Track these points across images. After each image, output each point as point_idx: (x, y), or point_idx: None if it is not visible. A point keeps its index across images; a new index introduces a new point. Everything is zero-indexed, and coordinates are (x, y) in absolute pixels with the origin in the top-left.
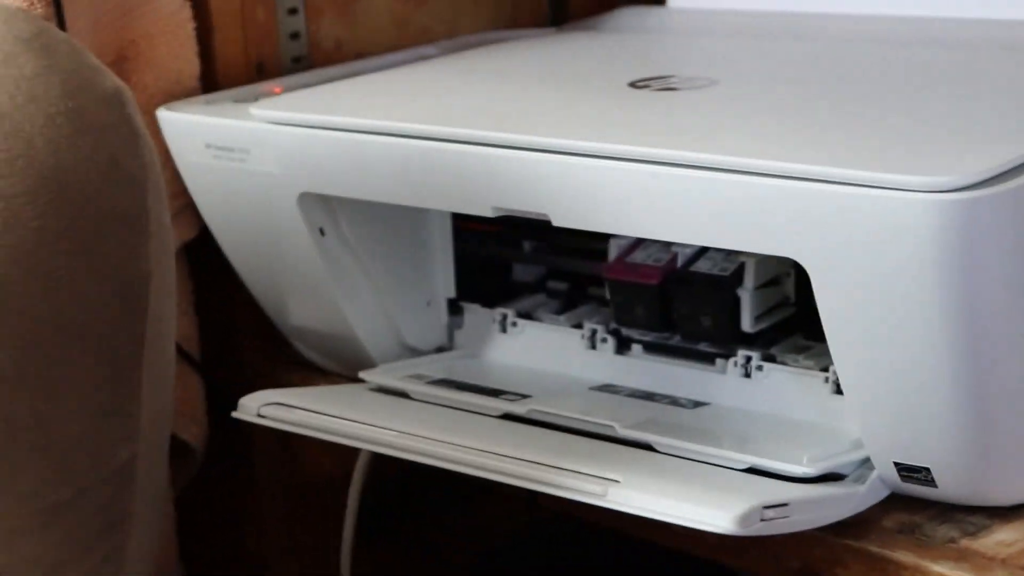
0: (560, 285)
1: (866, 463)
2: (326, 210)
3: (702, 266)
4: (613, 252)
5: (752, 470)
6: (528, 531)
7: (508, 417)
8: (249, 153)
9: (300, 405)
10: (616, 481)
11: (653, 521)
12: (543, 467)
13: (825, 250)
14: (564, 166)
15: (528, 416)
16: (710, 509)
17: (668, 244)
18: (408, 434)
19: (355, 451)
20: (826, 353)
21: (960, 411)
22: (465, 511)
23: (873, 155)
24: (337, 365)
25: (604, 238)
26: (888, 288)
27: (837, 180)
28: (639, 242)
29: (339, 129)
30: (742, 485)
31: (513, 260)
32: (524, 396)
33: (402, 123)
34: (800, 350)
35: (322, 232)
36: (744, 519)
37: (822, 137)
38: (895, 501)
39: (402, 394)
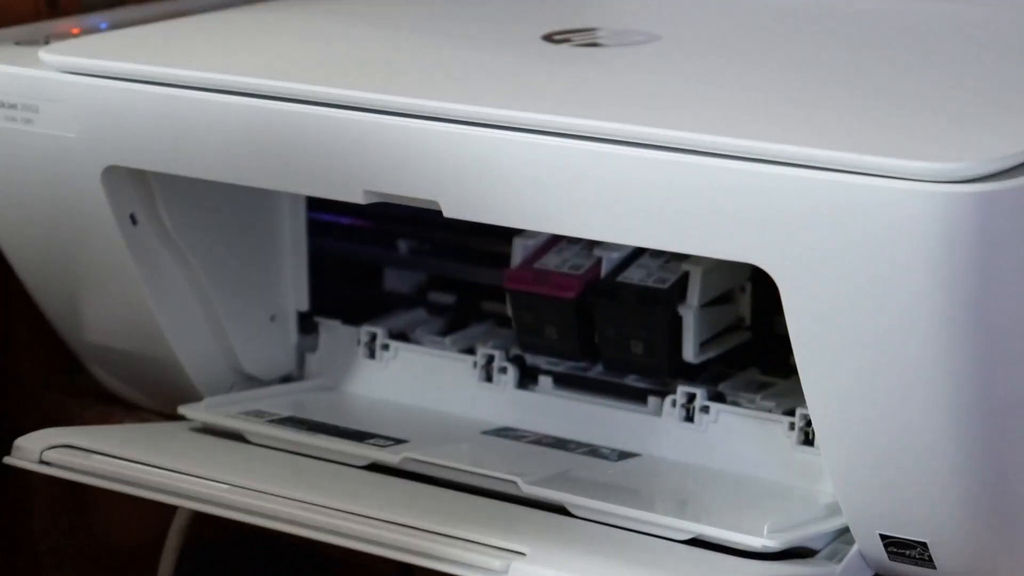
0: (445, 298)
1: (843, 535)
2: (139, 190)
3: (633, 275)
4: (518, 255)
5: (696, 542)
6: None
7: (376, 468)
8: (37, 112)
9: (97, 448)
10: (521, 554)
11: None
12: (423, 533)
13: (800, 254)
14: (460, 139)
15: (402, 467)
16: None
17: (590, 245)
18: (243, 488)
19: (170, 510)
20: (790, 392)
21: (970, 467)
22: None
23: (865, 135)
24: (149, 398)
25: (507, 236)
26: (881, 302)
27: (818, 165)
28: (552, 242)
29: (157, 83)
30: (684, 563)
31: (384, 265)
32: (398, 441)
33: (242, 77)
34: (757, 387)
35: (133, 220)
36: None
37: (798, 111)
38: None
39: (236, 436)
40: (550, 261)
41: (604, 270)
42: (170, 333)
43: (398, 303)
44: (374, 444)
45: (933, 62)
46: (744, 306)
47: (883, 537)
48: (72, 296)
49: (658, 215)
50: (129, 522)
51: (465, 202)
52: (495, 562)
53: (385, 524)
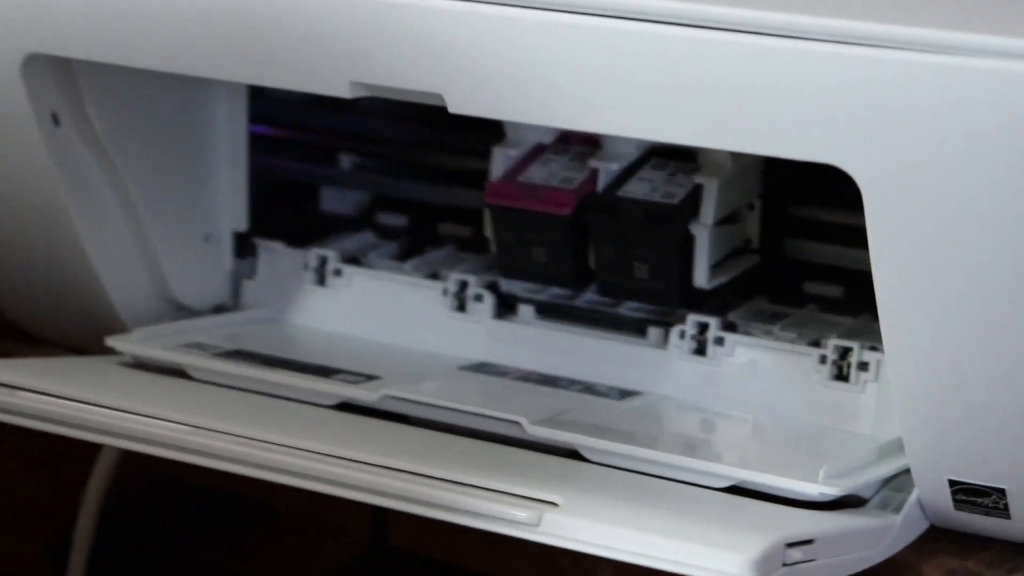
0: (397, 220)
1: (889, 482)
2: (63, 86)
3: (635, 190)
4: (498, 166)
5: (735, 490)
6: None
7: (347, 408)
8: None
9: (21, 384)
10: (553, 504)
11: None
12: (432, 481)
13: (893, 152)
14: (471, 18)
15: (379, 407)
16: (711, 549)
17: (581, 157)
18: (198, 428)
19: (86, 468)
20: (810, 322)
21: None
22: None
23: (973, 15)
24: (60, 329)
25: (466, 149)
26: (983, 211)
27: (921, 46)
28: (536, 153)
29: None
30: (742, 513)
31: (328, 182)
32: (369, 377)
33: None
34: (768, 318)
35: (55, 120)
36: (764, 563)
37: None
38: (934, 539)
39: (176, 372)
40: (536, 174)
41: (601, 184)
42: (93, 252)
43: (339, 226)
44: (343, 380)
45: None
46: (752, 227)
47: (952, 483)
48: None
49: (721, 107)
50: (41, 484)
51: (477, 94)
52: (522, 513)
53: (385, 471)
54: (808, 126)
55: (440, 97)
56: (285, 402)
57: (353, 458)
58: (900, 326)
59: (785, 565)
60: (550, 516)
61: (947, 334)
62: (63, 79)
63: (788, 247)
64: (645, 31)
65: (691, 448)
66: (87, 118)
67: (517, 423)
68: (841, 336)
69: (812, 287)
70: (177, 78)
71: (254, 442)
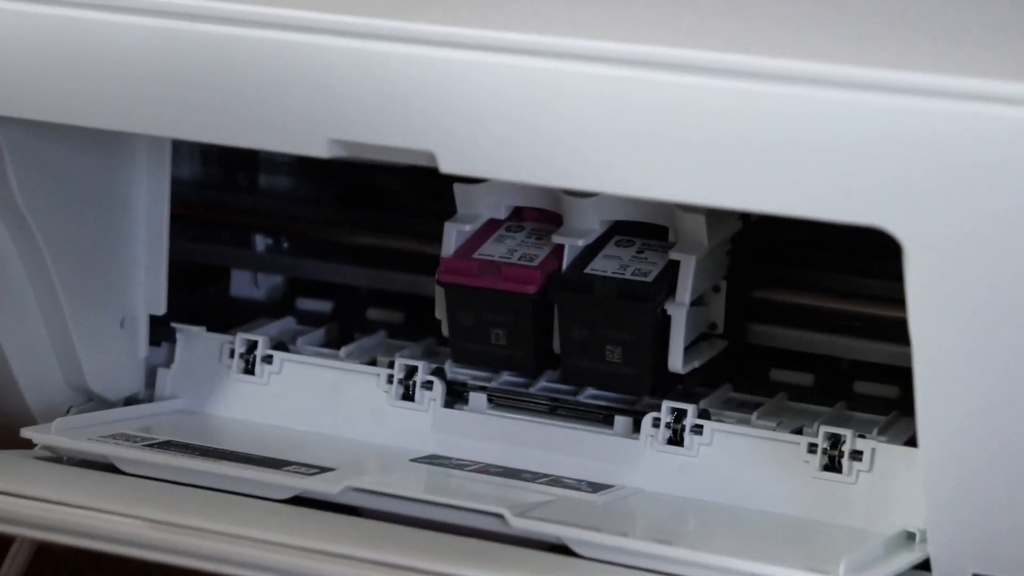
0: (320, 304)
1: None
2: None
3: (605, 267)
4: (451, 243)
5: None
6: None
7: (300, 502)
8: None
9: None
10: None
11: None
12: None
13: (948, 208)
14: (467, 68)
15: (341, 500)
16: None
17: (539, 233)
18: (162, 523)
19: None
20: (785, 411)
21: None
22: None
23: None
24: None
25: (392, 229)
26: None
27: (968, 95)
28: (490, 228)
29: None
30: None
31: (245, 266)
32: (322, 469)
33: None
34: (739, 406)
35: None
36: None
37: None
38: None
39: (102, 466)
40: (494, 250)
41: (566, 261)
42: (3, 334)
43: (249, 312)
44: (295, 472)
45: None
46: (717, 310)
47: None
48: None
49: (750, 165)
50: None
51: (470, 153)
52: None
53: (376, 566)
54: (851, 184)
55: (432, 156)
56: (231, 496)
57: (329, 550)
58: (939, 409)
59: None
60: None
61: (990, 413)
62: None
63: (753, 332)
64: (667, 81)
65: (689, 540)
66: (7, 183)
67: (500, 516)
68: (828, 425)
69: (779, 374)
70: (100, 146)
71: (204, 533)
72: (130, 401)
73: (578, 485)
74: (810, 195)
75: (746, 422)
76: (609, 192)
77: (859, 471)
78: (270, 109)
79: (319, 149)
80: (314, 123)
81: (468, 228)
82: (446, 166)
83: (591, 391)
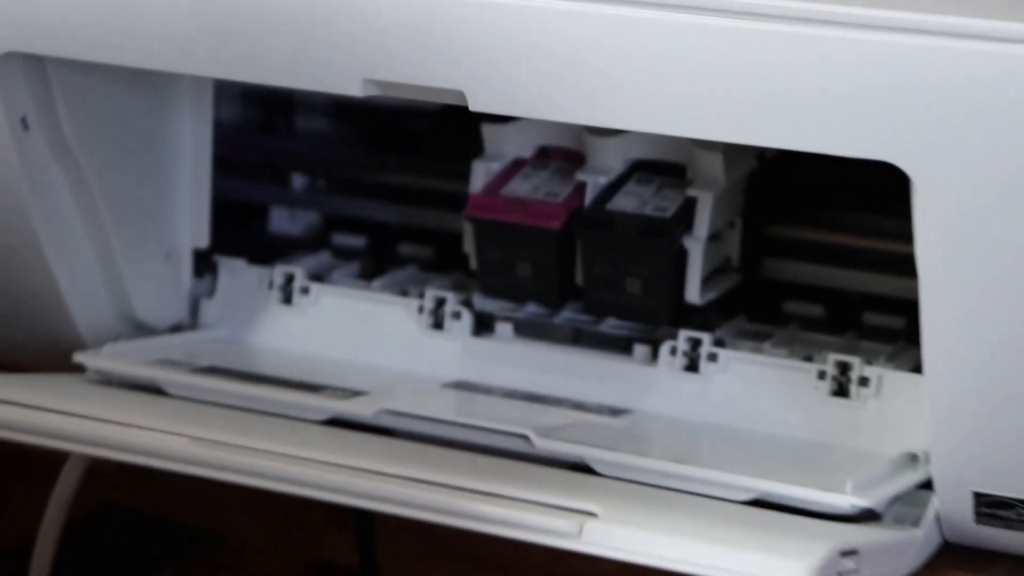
0: (354, 240)
1: (903, 498)
2: (37, 88)
3: (625, 204)
4: (479, 180)
5: (758, 503)
6: None
7: (336, 424)
8: None
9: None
10: (592, 514)
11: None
12: (463, 493)
13: (956, 146)
14: (495, 9)
15: (374, 422)
16: (770, 557)
17: (564, 171)
18: (206, 440)
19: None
20: (797, 341)
21: None
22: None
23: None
24: (19, 348)
25: (425, 169)
26: None
27: (978, 34)
28: (515, 167)
29: None
30: (779, 524)
31: (284, 203)
32: (356, 393)
33: None
34: (753, 336)
35: (25, 125)
36: (824, 570)
37: None
38: (943, 555)
39: (149, 388)
40: (520, 187)
41: (588, 198)
42: (56, 264)
43: (288, 247)
44: (331, 396)
45: None
46: (733, 245)
47: (978, 496)
48: None
49: (773, 104)
50: None
51: (497, 91)
52: (562, 523)
53: (412, 483)
54: (861, 121)
55: (461, 95)
56: (271, 417)
57: (363, 468)
58: (943, 338)
59: (839, 574)
60: (591, 526)
61: (992, 341)
62: (36, 82)
63: (767, 266)
64: (685, 21)
65: (705, 460)
66: (58, 124)
67: (524, 437)
68: (837, 353)
69: (792, 306)
70: (147, 89)
71: (246, 451)
72: (175, 329)
73: (599, 409)
74: (824, 131)
75: (759, 351)
76: (631, 129)
77: (866, 396)
78: (307, 50)
79: (354, 88)
80: (349, 63)
81: (496, 166)
82: (475, 104)
83: (612, 321)
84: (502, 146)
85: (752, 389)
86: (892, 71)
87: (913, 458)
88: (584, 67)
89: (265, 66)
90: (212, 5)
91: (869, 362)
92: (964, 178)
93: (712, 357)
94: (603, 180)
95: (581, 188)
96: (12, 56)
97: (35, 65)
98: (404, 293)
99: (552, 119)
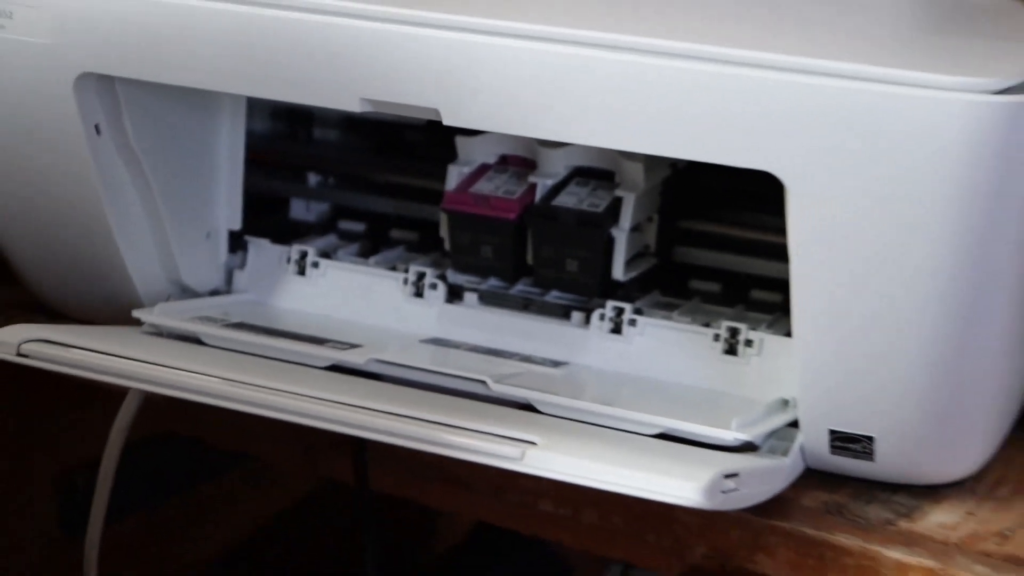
0: (356, 226)
1: (777, 433)
2: (108, 100)
3: (567, 200)
4: (453, 181)
5: (664, 437)
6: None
7: (336, 369)
8: (11, 17)
9: (72, 343)
10: (532, 443)
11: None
12: (427, 424)
13: (818, 159)
14: (462, 47)
15: (365, 368)
16: (669, 478)
17: (520, 174)
18: (231, 380)
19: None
20: (698, 311)
21: (934, 371)
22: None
23: (895, 50)
24: (86, 307)
25: (413, 170)
26: (888, 207)
27: (850, 75)
28: (482, 171)
29: None
30: (679, 453)
31: (303, 196)
32: (352, 345)
33: None
34: (665, 307)
35: (98, 130)
36: (711, 490)
37: (822, 25)
38: (808, 478)
39: (192, 339)
40: (484, 187)
41: (538, 196)
42: (120, 241)
43: (305, 230)
44: (333, 347)
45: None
46: (651, 235)
47: (832, 432)
48: (28, 204)
49: (680, 124)
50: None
51: (465, 110)
52: (509, 449)
53: (387, 415)
54: (748, 139)
55: (437, 112)
56: (285, 364)
57: (357, 404)
58: (808, 308)
59: (722, 492)
60: (532, 452)
61: (845, 313)
62: (106, 96)
63: (677, 252)
64: (614, 59)
65: (625, 403)
66: (124, 129)
67: (483, 382)
68: (729, 320)
69: (696, 284)
70: (194, 102)
71: (266, 389)
72: (213, 293)
73: (543, 362)
74: (720, 147)
75: (669, 318)
76: (572, 142)
77: (750, 355)
78: (317, 74)
79: (353, 104)
80: (350, 85)
81: (466, 170)
82: (448, 119)
83: (555, 293)
84: (471, 154)
85: (663, 348)
86: (772, 102)
87: (785, 403)
88: (535, 92)
89: (285, 87)
90: (245, 40)
91: (754, 328)
92: (825, 187)
93: (632, 323)
94: (550, 182)
95: (532, 188)
96: (87, 76)
97: (105, 83)
98: (393, 268)
99: (510, 133)
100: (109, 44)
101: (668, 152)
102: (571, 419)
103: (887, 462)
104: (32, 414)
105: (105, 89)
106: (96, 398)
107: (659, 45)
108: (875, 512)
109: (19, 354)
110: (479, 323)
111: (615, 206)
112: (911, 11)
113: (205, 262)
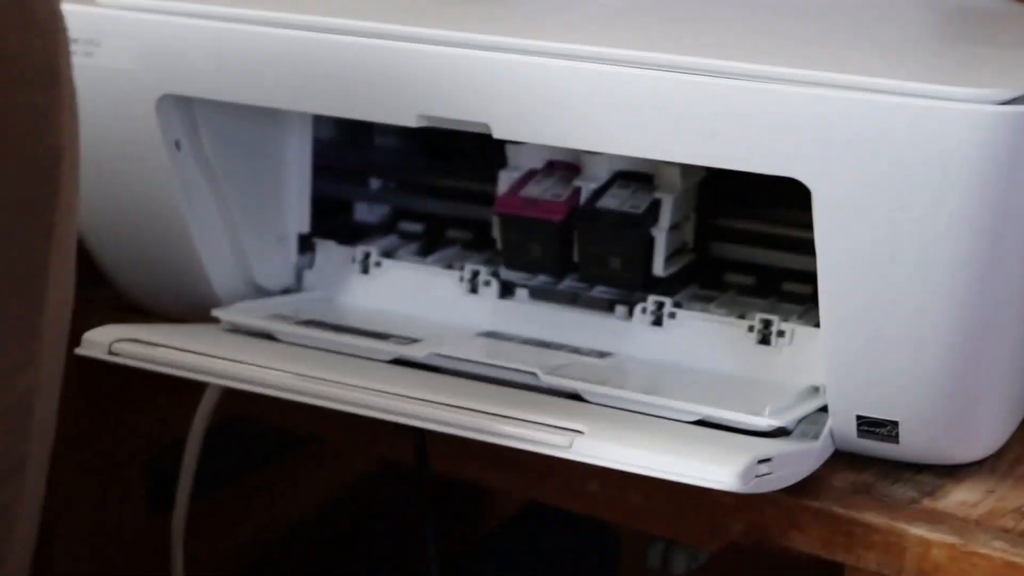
0: (414, 226)
1: (808, 418)
2: (186, 119)
3: (609, 203)
4: (504, 185)
5: (701, 423)
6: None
7: (398, 363)
8: (99, 46)
9: (158, 341)
10: (579, 432)
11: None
12: (480, 414)
13: (840, 166)
14: (510, 67)
15: (425, 362)
16: (706, 464)
17: (566, 178)
18: (306, 376)
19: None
20: (734, 303)
21: (953, 360)
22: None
23: (907, 63)
24: (170, 306)
25: (467, 175)
26: (908, 208)
27: (867, 88)
28: (530, 176)
29: (212, 17)
30: (716, 439)
31: (365, 199)
32: (413, 340)
33: (302, 15)
34: (703, 300)
35: (177, 146)
36: (745, 474)
37: (839, 41)
38: (837, 460)
39: (266, 336)
40: (533, 190)
41: (583, 198)
42: (200, 245)
43: (368, 231)
44: (396, 342)
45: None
46: (688, 233)
47: (859, 417)
48: (116, 213)
49: (710, 134)
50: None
51: (513, 124)
52: (558, 438)
53: (444, 406)
54: (778, 148)
55: (488, 126)
56: (351, 358)
57: (417, 397)
58: (834, 303)
59: (756, 476)
60: (579, 441)
61: (870, 305)
62: (185, 114)
63: (713, 248)
64: (654, 77)
65: (665, 392)
66: (201, 144)
67: (534, 373)
68: (762, 312)
69: (731, 278)
70: (264, 118)
71: (336, 384)
72: (285, 292)
73: (589, 353)
74: (751, 155)
75: (706, 310)
76: (614, 152)
77: (783, 345)
78: (378, 95)
79: (411, 120)
80: (408, 103)
81: (515, 175)
82: (498, 133)
83: (600, 288)
84: (520, 160)
85: (700, 338)
86: (799, 115)
87: (815, 390)
88: (578, 108)
89: (348, 105)
90: (311, 63)
91: (785, 319)
92: (846, 192)
93: (672, 315)
94: (593, 185)
95: (577, 191)
96: (167, 97)
97: (184, 103)
98: (450, 266)
99: (555, 144)
100: (187, 69)
101: (703, 162)
102: (615, 407)
103: (911, 444)
104: (124, 403)
105: (184, 109)
106: (181, 387)
107: (693, 63)
108: (900, 491)
109: (110, 352)
110: (530, 316)
111: (654, 207)
112: (921, 22)
113: (277, 263)
